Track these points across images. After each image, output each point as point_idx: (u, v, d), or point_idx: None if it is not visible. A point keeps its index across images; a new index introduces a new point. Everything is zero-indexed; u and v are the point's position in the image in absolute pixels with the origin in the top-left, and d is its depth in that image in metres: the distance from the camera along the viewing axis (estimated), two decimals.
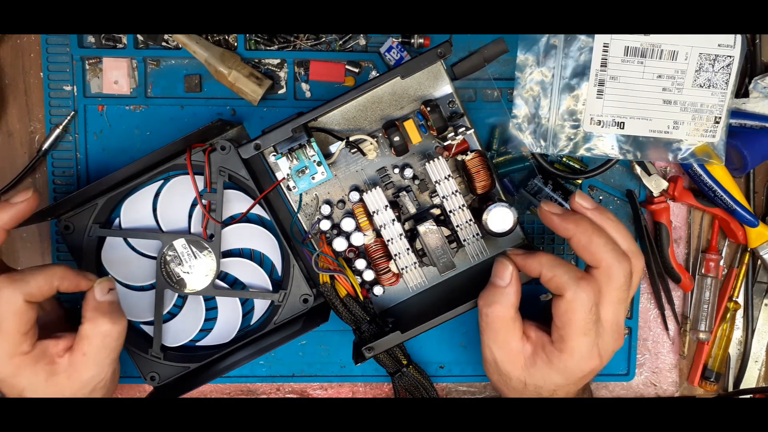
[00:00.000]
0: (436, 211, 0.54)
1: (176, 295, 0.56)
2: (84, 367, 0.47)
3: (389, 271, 0.54)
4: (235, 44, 0.58)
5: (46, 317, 0.52)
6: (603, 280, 0.46)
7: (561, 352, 0.47)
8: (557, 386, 0.48)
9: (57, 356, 0.48)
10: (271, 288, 0.57)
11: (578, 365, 0.47)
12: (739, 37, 0.54)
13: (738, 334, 0.64)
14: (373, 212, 0.52)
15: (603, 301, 0.46)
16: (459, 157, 0.52)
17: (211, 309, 0.57)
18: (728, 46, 0.54)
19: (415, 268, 0.54)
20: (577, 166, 0.59)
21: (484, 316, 0.48)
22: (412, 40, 0.57)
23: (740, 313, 0.63)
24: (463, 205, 0.52)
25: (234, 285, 0.57)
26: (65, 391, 0.48)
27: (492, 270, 0.49)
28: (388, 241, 0.53)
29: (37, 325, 0.47)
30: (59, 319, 0.53)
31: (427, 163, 0.52)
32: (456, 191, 0.52)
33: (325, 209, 0.53)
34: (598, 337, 0.47)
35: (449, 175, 0.52)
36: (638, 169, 0.59)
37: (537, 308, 0.52)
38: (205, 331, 0.57)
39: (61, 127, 0.57)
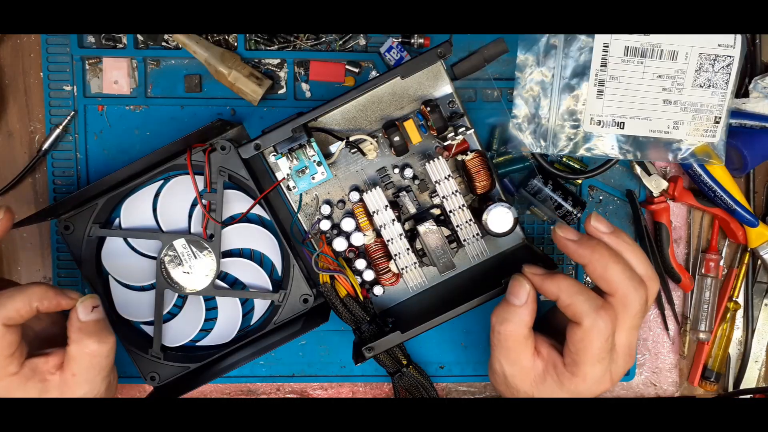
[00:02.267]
0: (436, 211, 0.54)
1: (176, 295, 0.56)
2: (75, 386, 0.47)
3: (389, 271, 0.54)
4: (235, 44, 0.58)
5: (44, 331, 0.51)
6: (619, 307, 0.45)
7: (573, 376, 0.46)
8: None
9: (48, 373, 0.47)
10: (271, 288, 0.57)
11: (589, 389, 0.46)
12: (739, 37, 0.54)
13: (738, 334, 0.64)
14: (373, 212, 0.52)
15: (618, 328, 0.46)
16: (459, 157, 0.52)
17: (211, 309, 0.57)
18: (728, 46, 0.54)
19: (415, 268, 0.54)
20: (577, 166, 0.59)
21: (497, 333, 0.47)
22: (412, 40, 0.57)
23: (740, 313, 0.63)
24: (463, 205, 0.52)
25: (234, 285, 0.57)
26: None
27: (508, 287, 0.48)
28: (388, 241, 0.53)
29: (24, 344, 0.47)
30: (62, 330, 0.52)
31: (427, 163, 0.52)
32: (456, 191, 0.52)
33: (325, 209, 0.53)
34: (612, 363, 0.46)
35: (449, 175, 0.52)
36: (638, 169, 0.59)
37: (539, 310, 0.52)
38: (205, 331, 0.57)
39: (61, 127, 0.57)
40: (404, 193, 0.53)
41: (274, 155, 0.51)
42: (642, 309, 0.46)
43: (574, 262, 0.60)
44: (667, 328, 0.63)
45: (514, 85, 0.56)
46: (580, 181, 0.59)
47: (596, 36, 0.53)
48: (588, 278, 0.60)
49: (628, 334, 0.46)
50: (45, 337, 0.51)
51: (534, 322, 0.48)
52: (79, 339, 0.47)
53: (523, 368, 0.48)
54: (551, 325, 0.50)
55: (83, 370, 0.47)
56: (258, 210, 0.55)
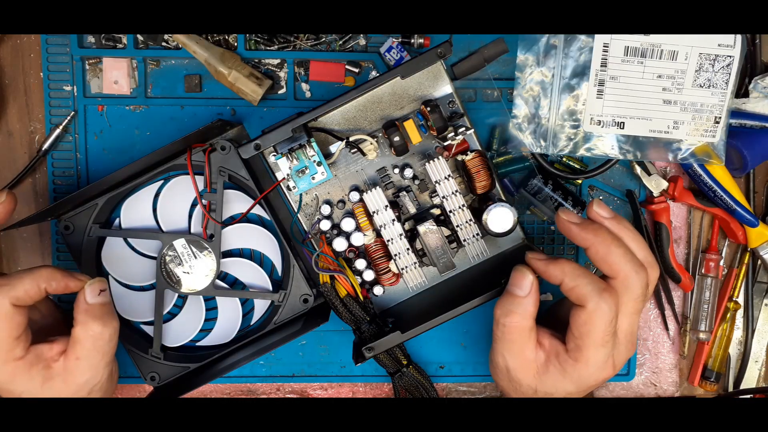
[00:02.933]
0: (436, 211, 0.54)
1: (176, 295, 0.56)
2: (78, 371, 0.47)
3: (389, 271, 0.54)
4: (235, 44, 0.58)
5: (42, 321, 0.51)
6: (621, 290, 0.46)
7: (576, 362, 0.46)
8: (568, 393, 0.48)
9: (52, 360, 0.47)
10: (271, 288, 0.57)
11: (592, 375, 0.47)
12: (739, 37, 0.54)
13: (738, 334, 0.64)
14: (373, 212, 0.52)
15: (620, 312, 0.46)
16: (459, 157, 0.52)
17: (211, 309, 0.57)
18: (728, 46, 0.54)
19: (415, 268, 0.54)
20: (577, 166, 0.59)
21: (501, 326, 0.47)
22: (412, 40, 0.57)
23: (740, 313, 0.63)
24: (463, 205, 0.52)
25: (234, 285, 0.57)
26: (62, 395, 0.47)
27: (510, 278, 0.48)
28: (388, 241, 0.53)
29: (30, 330, 0.47)
30: (57, 322, 0.52)
31: (427, 163, 0.52)
32: (456, 191, 0.52)
33: (325, 209, 0.53)
34: (614, 348, 0.46)
35: (449, 175, 0.52)
36: (638, 169, 0.59)
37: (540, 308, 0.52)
38: (205, 331, 0.57)
39: (61, 127, 0.57)
40: (404, 193, 0.53)
41: (274, 155, 0.51)
42: (643, 293, 0.46)
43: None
44: (667, 328, 0.63)
45: (514, 85, 0.56)
46: (580, 181, 0.59)
47: (596, 36, 0.53)
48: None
49: (629, 319, 0.47)
50: (41, 328, 0.51)
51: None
52: (85, 321, 0.47)
53: (526, 360, 0.48)
54: (552, 322, 0.50)
55: (87, 354, 0.47)
56: (258, 210, 0.55)
